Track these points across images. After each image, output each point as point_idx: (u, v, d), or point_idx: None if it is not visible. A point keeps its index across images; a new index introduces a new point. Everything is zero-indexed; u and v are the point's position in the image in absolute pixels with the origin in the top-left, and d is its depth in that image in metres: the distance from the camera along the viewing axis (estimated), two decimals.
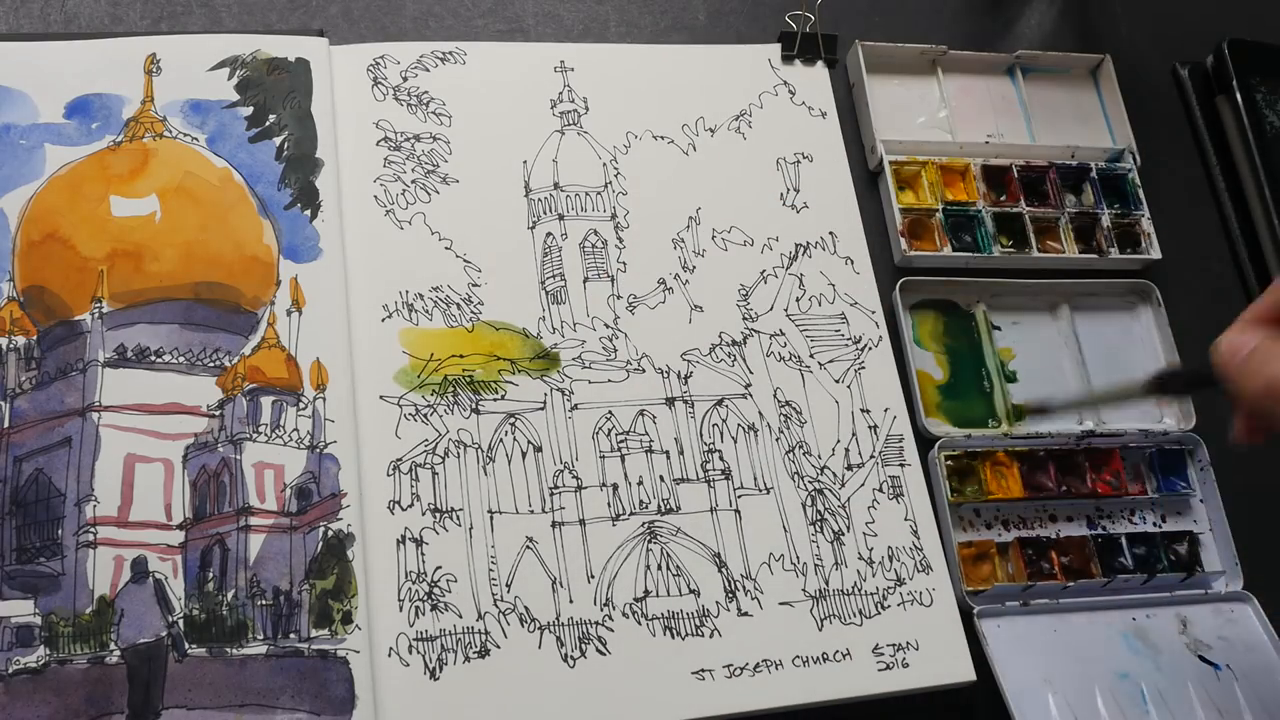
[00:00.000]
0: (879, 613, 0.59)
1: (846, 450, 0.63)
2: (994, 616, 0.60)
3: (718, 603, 0.58)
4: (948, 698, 0.58)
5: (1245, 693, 0.61)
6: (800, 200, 0.69)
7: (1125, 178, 0.74)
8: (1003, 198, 0.72)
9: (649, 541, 0.59)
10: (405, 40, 0.69)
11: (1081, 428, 0.67)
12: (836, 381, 0.65)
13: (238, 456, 0.56)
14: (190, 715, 0.51)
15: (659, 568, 0.59)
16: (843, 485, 0.62)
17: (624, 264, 0.65)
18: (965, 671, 0.58)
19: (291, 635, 0.53)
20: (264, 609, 0.54)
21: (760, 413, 0.63)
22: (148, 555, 0.54)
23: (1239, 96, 0.76)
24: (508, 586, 0.57)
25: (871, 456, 0.63)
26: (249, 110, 0.64)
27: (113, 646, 0.52)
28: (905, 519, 0.62)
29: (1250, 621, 0.63)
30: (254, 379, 0.58)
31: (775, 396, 0.64)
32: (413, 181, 0.65)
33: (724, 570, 0.59)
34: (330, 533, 0.55)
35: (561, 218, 0.66)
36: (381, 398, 0.59)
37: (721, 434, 0.62)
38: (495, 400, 0.61)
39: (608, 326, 0.63)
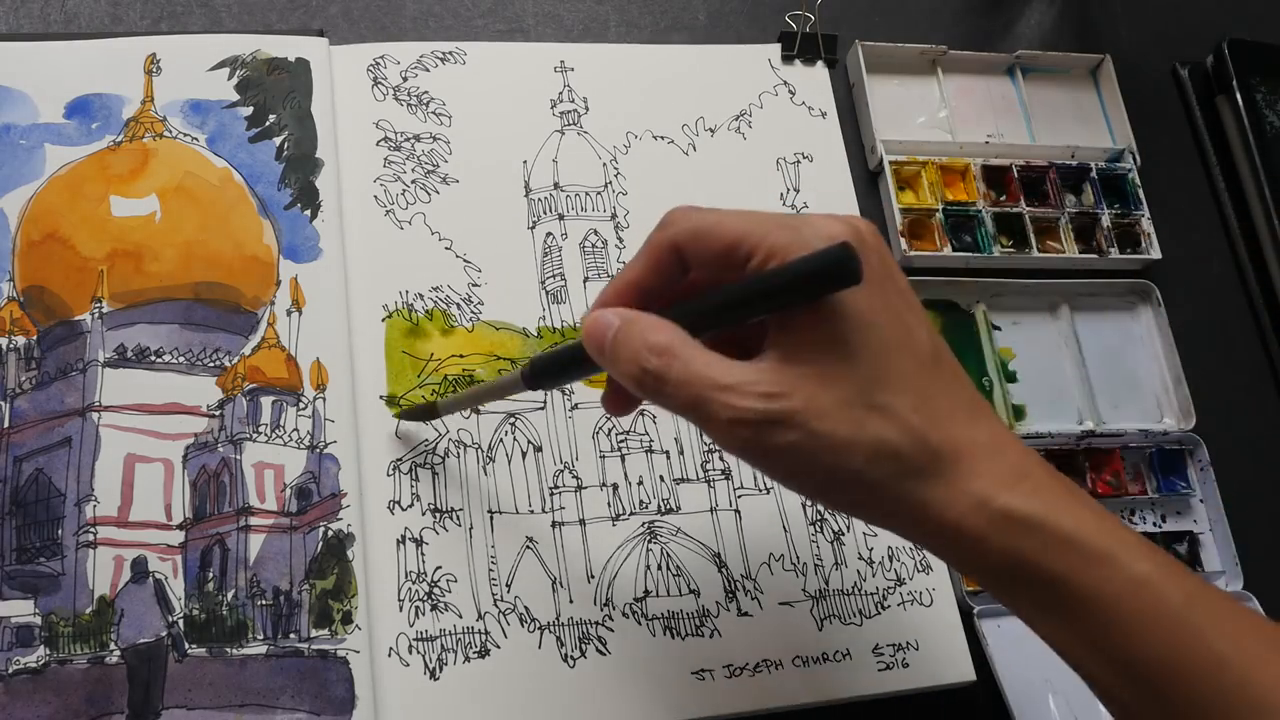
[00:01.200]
0: (879, 613, 0.59)
1: None
2: (994, 616, 0.60)
3: (718, 603, 0.58)
4: (948, 698, 0.58)
5: None
6: (800, 200, 0.69)
7: (1125, 178, 0.74)
8: (1003, 198, 0.72)
9: (649, 541, 0.59)
10: (405, 40, 0.69)
11: (1081, 428, 0.67)
12: None
13: (238, 456, 0.56)
14: (190, 715, 0.51)
15: (659, 568, 0.59)
16: None
17: (624, 264, 0.65)
18: (965, 671, 0.58)
19: (291, 635, 0.53)
20: (264, 609, 0.54)
21: None
22: (148, 555, 0.54)
23: (1239, 96, 0.76)
24: (508, 586, 0.57)
25: None
26: (249, 110, 0.64)
27: (113, 646, 0.52)
28: None
29: None
30: (254, 379, 0.58)
31: None
32: (413, 181, 0.65)
33: (724, 570, 0.59)
34: (330, 533, 0.55)
35: (561, 217, 0.66)
36: (381, 397, 0.59)
37: None
38: (495, 400, 0.61)
39: None
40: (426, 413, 0.58)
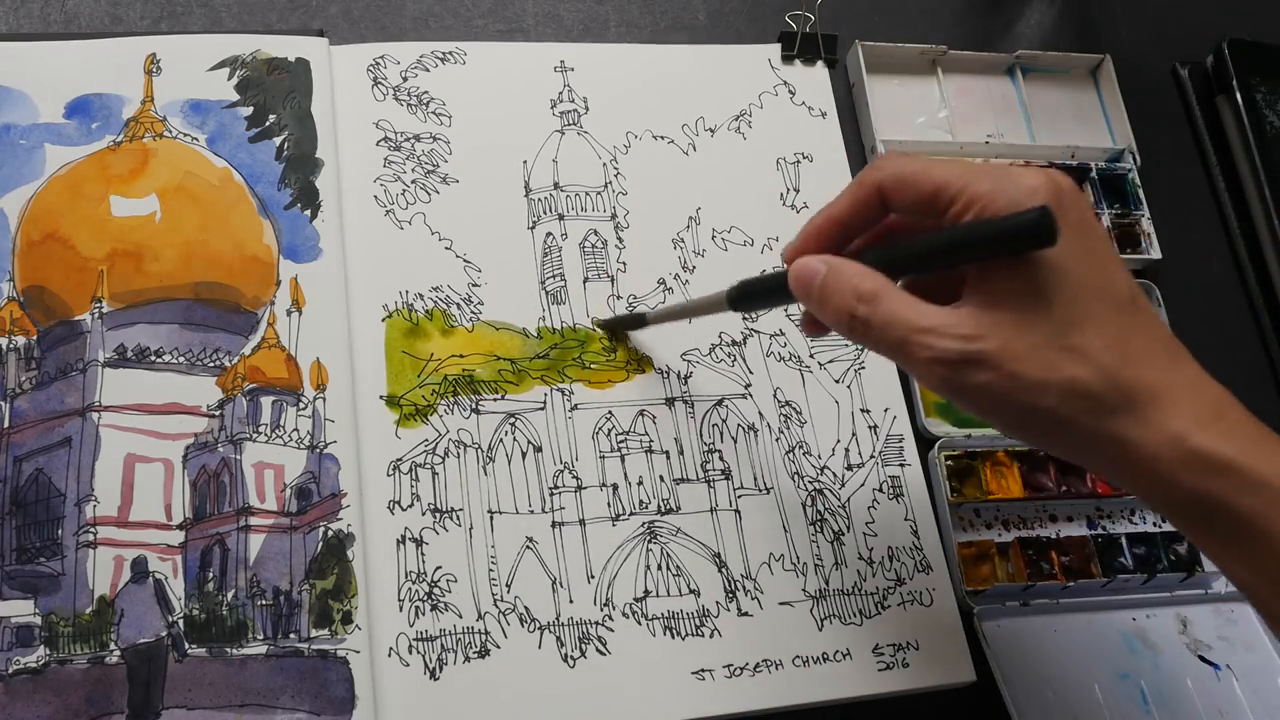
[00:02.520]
0: (879, 613, 0.59)
1: (846, 450, 0.63)
2: (994, 616, 0.60)
3: (718, 603, 0.58)
4: (948, 698, 0.58)
5: (1245, 693, 0.61)
6: (800, 200, 0.69)
7: (1125, 178, 0.74)
8: None
9: (649, 541, 0.59)
10: (405, 40, 0.69)
11: None
12: (836, 381, 0.65)
13: (238, 456, 0.56)
14: (190, 715, 0.51)
15: (659, 568, 0.59)
16: (843, 485, 0.62)
17: (624, 264, 0.65)
18: (965, 671, 0.58)
19: (291, 635, 0.53)
20: (264, 609, 0.54)
21: (760, 413, 0.63)
22: (148, 555, 0.54)
23: (1239, 96, 0.76)
24: (508, 586, 0.57)
25: (871, 457, 0.63)
26: (249, 110, 0.64)
27: (113, 646, 0.52)
28: (905, 519, 0.62)
29: (1250, 621, 0.63)
30: (254, 379, 0.58)
31: (775, 396, 0.64)
32: (413, 181, 0.65)
33: (724, 570, 0.59)
34: (330, 533, 0.55)
35: (561, 218, 0.66)
36: (381, 397, 0.59)
37: (721, 434, 0.62)
38: (495, 400, 0.61)
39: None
40: (635, 322, 0.60)
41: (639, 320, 0.61)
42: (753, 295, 0.52)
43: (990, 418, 0.43)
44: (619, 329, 0.63)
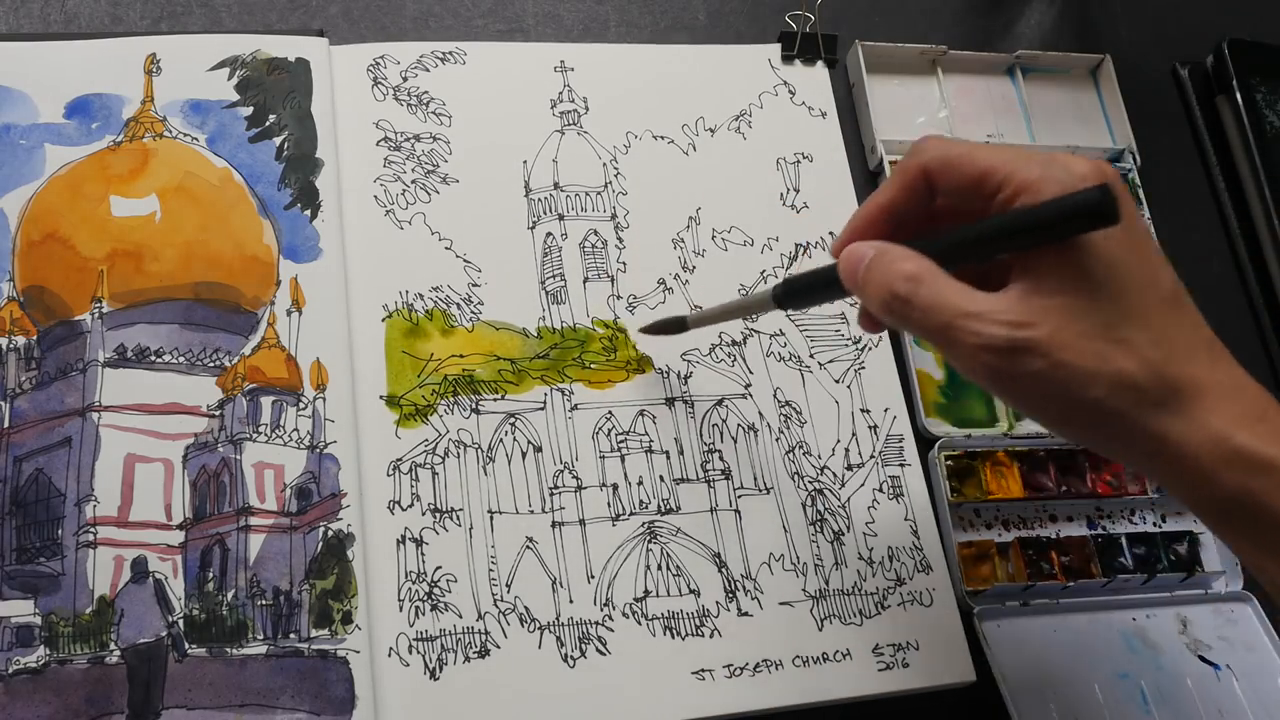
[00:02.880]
0: (879, 613, 0.59)
1: (846, 450, 0.63)
2: (994, 617, 0.60)
3: (718, 603, 0.58)
4: (948, 698, 0.58)
5: (1245, 693, 0.61)
6: (800, 200, 0.69)
7: (1125, 178, 0.74)
8: None
9: (649, 541, 0.59)
10: (405, 40, 0.69)
11: None
12: (836, 382, 0.65)
13: (238, 456, 0.56)
14: (190, 715, 0.51)
15: (659, 568, 0.59)
16: (843, 485, 0.62)
17: (624, 264, 0.65)
18: (965, 671, 0.58)
19: (291, 635, 0.53)
20: (264, 609, 0.54)
21: (760, 413, 0.63)
22: (148, 555, 0.54)
23: (1239, 96, 0.76)
24: (508, 586, 0.57)
25: (871, 456, 0.63)
26: (249, 110, 0.64)
27: (113, 646, 0.52)
28: (905, 519, 0.62)
29: (1250, 621, 0.63)
30: (254, 379, 0.58)
31: (775, 396, 0.64)
32: (413, 181, 0.65)
33: (724, 570, 0.59)
34: (330, 533, 0.55)
35: (561, 218, 0.66)
36: (381, 397, 0.59)
37: (721, 434, 0.62)
38: (495, 400, 0.61)
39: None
40: (675, 326, 0.59)
41: (679, 325, 0.60)
42: (800, 291, 0.50)
43: (1033, 409, 0.42)
44: (659, 334, 0.62)
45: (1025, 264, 0.41)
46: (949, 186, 0.44)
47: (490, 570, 0.57)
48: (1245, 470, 0.40)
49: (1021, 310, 0.40)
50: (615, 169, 0.68)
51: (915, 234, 0.45)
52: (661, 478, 0.61)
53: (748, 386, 0.64)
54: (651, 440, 0.61)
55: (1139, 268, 0.41)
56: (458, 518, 0.58)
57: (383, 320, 0.61)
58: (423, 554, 0.57)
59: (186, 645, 0.52)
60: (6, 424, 0.56)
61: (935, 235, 0.44)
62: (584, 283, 0.64)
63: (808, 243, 0.68)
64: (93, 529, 0.54)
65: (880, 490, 0.62)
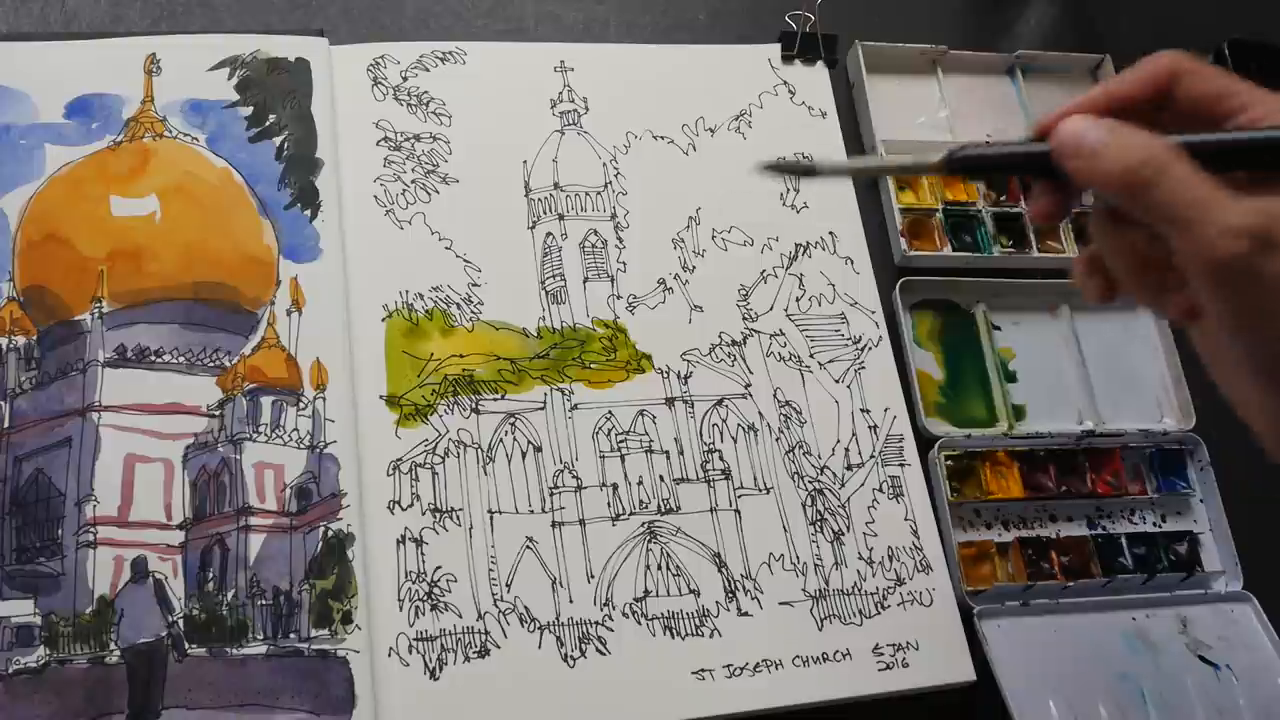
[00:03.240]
0: (879, 613, 0.59)
1: (846, 450, 0.63)
2: (994, 616, 0.60)
3: (718, 603, 0.58)
4: (948, 698, 0.58)
5: (1245, 693, 0.61)
6: (800, 200, 0.69)
7: None
8: (1003, 198, 0.72)
9: (649, 541, 0.59)
10: (405, 40, 0.69)
11: (1081, 428, 0.67)
12: (836, 381, 0.65)
13: (238, 456, 0.56)
14: (190, 715, 0.51)
15: (659, 568, 0.59)
16: (843, 485, 0.62)
17: (624, 264, 0.65)
18: (965, 671, 0.58)
19: (291, 635, 0.53)
20: (264, 609, 0.54)
21: (760, 413, 0.63)
22: (148, 555, 0.54)
23: None
24: (508, 586, 0.57)
25: (871, 456, 0.63)
26: (249, 110, 0.64)
27: (113, 646, 0.52)
28: (905, 519, 0.62)
29: (1250, 621, 0.63)
30: (254, 379, 0.58)
31: (775, 396, 0.64)
32: (413, 181, 0.65)
33: (724, 570, 0.59)
34: (330, 533, 0.55)
35: (561, 218, 0.66)
36: (381, 397, 0.59)
37: (721, 434, 0.62)
38: (495, 400, 0.61)
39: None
40: (804, 170, 0.53)
41: (809, 169, 0.52)
42: (980, 162, 0.47)
43: (1254, 317, 0.39)
44: (785, 173, 0.55)
45: (1265, 183, 0.39)
46: (1190, 95, 0.41)
47: (490, 570, 0.57)
48: None
49: (1273, 208, 0.37)
50: (615, 169, 0.68)
51: None
52: (661, 478, 0.61)
53: (748, 386, 0.64)
54: (651, 440, 0.61)
55: None
56: (458, 518, 0.58)
57: (383, 320, 0.61)
58: (423, 554, 0.57)
59: (186, 645, 0.52)
60: (6, 424, 0.56)
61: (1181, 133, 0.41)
62: (584, 283, 0.64)
63: (808, 243, 0.68)
64: (93, 529, 0.54)
65: (880, 490, 0.62)
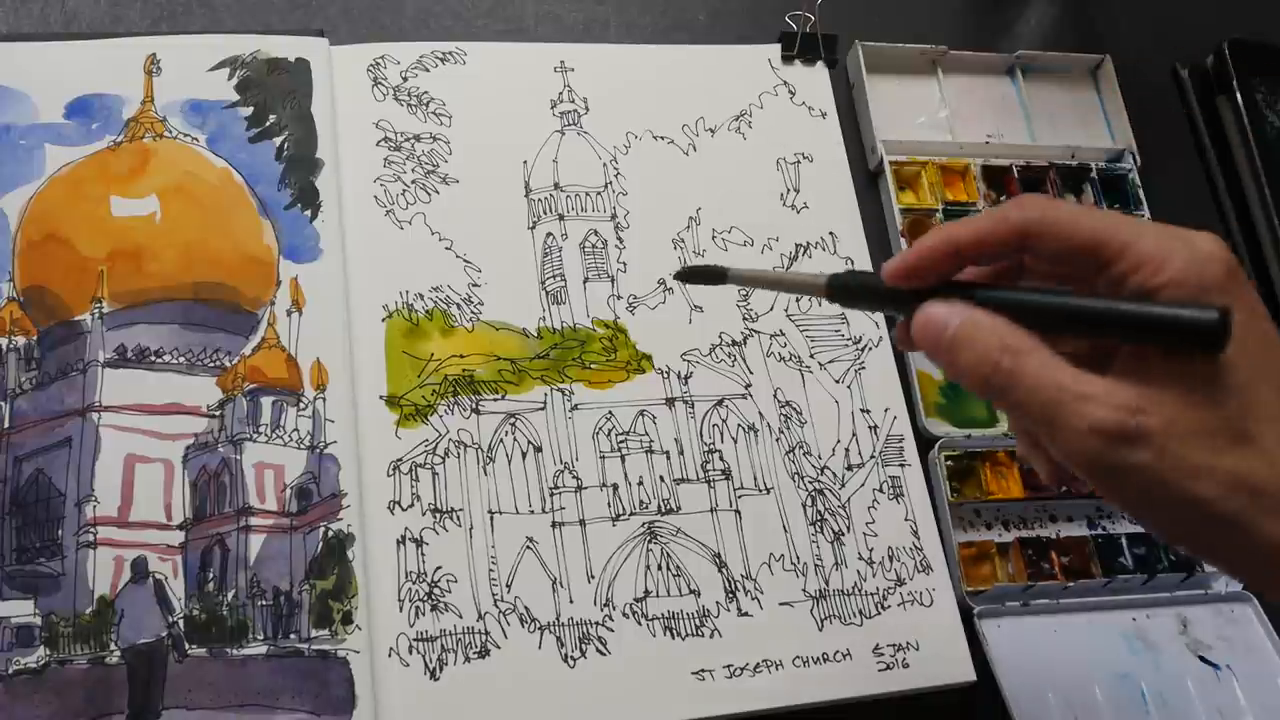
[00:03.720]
0: (879, 613, 0.59)
1: (846, 450, 0.63)
2: (994, 616, 0.60)
3: (718, 603, 0.58)
4: (948, 698, 0.58)
5: (1245, 693, 0.61)
6: (800, 200, 0.69)
7: (1125, 178, 0.74)
8: (1003, 198, 0.72)
9: (649, 542, 0.59)
10: (405, 40, 0.69)
11: None
12: (836, 382, 0.65)
13: (238, 457, 0.56)
14: (190, 715, 0.51)
15: (659, 568, 0.59)
16: (843, 485, 0.62)
17: (624, 264, 0.65)
18: (965, 672, 0.58)
19: (292, 635, 0.53)
20: (264, 609, 0.54)
21: (760, 413, 0.63)
22: (148, 555, 0.54)
23: (1239, 97, 0.76)
24: (508, 586, 0.57)
25: (871, 457, 0.63)
26: (249, 110, 0.64)
27: (113, 647, 0.52)
28: (905, 519, 0.62)
29: (1250, 622, 0.63)
30: (254, 379, 0.58)
31: (775, 397, 0.64)
32: (413, 182, 0.65)
33: (724, 570, 0.59)
34: (330, 533, 0.55)
35: (562, 218, 0.66)
36: (381, 398, 0.59)
37: (721, 434, 0.62)
38: (495, 400, 0.61)
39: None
40: (715, 276, 0.55)
41: (719, 275, 0.57)
42: (857, 297, 0.46)
43: (1138, 506, 0.38)
44: (694, 280, 0.55)
45: (1133, 351, 0.38)
46: (1047, 250, 0.40)
47: (490, 570, 0.57)
48: None
49: (1133, 396, 0.36)
50: (615, 169, 0.68)
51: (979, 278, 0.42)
52: (661, 478, 0.61)
53: (748, 386, 0.64)
54: (651, 440, 0.61)
55: (1261, 359, 0.37)
56: (458, 518, 0.58)
57: (383, 320, 0.61)
58: (423, 554, 0.57)
59: (186, 645, 0.52)
60: (7, 424, 0.56)
61: (1023, 291, 0.40)
62: (584, 283, 0.64)
63: (808, 243, 0.68)
64: (93, 529, 0.54)
65: (880, 490, 0.62)
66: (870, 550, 0.61)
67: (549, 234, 0.65)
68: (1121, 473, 0.36)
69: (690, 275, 0.54)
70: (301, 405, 0.58)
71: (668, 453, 0.61)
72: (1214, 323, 0.36)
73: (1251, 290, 0.38)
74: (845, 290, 0.46)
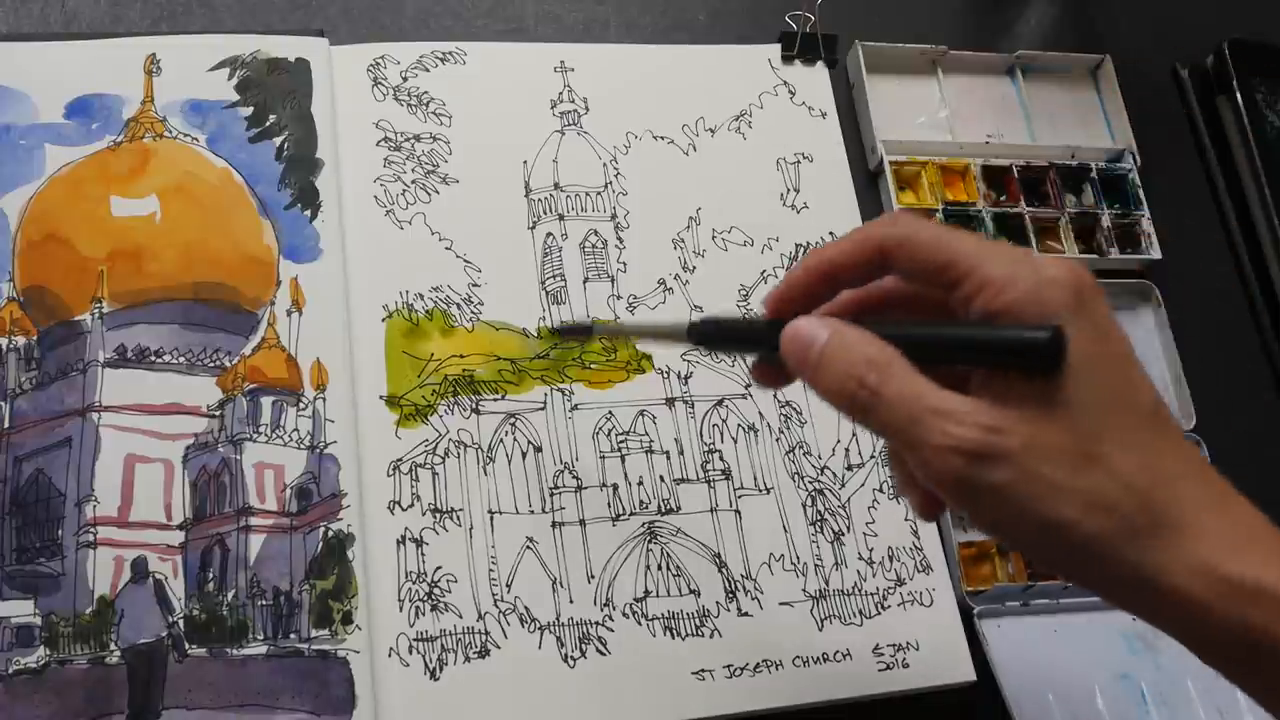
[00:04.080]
0: (879, 613, 0.59)
1: (846, 450, 0.63)
2: (994, 616, 0.60)
3: (718, 603, 0.58)
4: (948, 698, 0.58)
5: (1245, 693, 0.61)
6: (800, 200, 0.69)
7: (1125, 178, 0.74)
8: (1003, 198, 0.72)
9: (649, 542, 0.59)
10: (405, 40, 0.69)
11: None
12: None
13: (238, 457, 0.56)
14: (190, 715, 0.51)
15: (659, 568, 0.59)
16: (843, 485, 0.62)
17: (624, 264, 0.65)
18: (965, 672, 0.58)
19: (292, 635, 0.53)
20: (264, 609, 0.54)
21: (760, 413, 0.63)
22: (148, 555, 0.54)
23: (1239, 97, 0.76)
24: (508, 586, 0.57)
25: (871, 457, 0.63)
26: (249, 110, 0.64)
27: (113, 647, 0.52)
28: (905, 519, 0.62)
29: None
30: (254, 379, 0.58)
31: (775, 396, 0.64)
32: (413, 182, 0.65)
33: (724, 570, 0.59)
34: (330, 533, 0.55)
35: (562, 218, 0.66)
36: (381, 398, 0.59)
37: (721, 434, 0.62)
38: (495, 400, 0.61)
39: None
40: (583, 331, 0.57)
41: (586, 330, 0.58)
42: (718, 340, 0.46)
43: (1002, 527, 0.38)
44: (566, 336, 0.60)
45: (989, 373, 0.38)
46: (908, 267, 0.40)
47: (490, 570, 0.57)
48: (1240, 601, 0.36)
49: (993, 415, 0.36)
50: (615, 169, 0.68)
51: (855, 302, 0.43)
52: (661, 478, 0.61)
53: (748, 386, 0.64)
54: (651, 440, 0.61)
55: (1115, 382, 0.38)
56: (458, 518, 0.58)
57: (383, 320, 0.61)
58: (423, 554, 0.57)
59: (186, 645, 0.52)
60: (6, 424, 0.56)
61: (883, 324, 0.40)
62: (584, 283, 0.64)
63: (808, 243, 0.68)
64: (93, 529, 0.54)
65: (880, 490, 0.62)
66: (870, 550, 0.61)
67: (549, 234, 0.65)
68: (984, 493, 0.37)
69: (563, 331, 0.60)
70: (301, 405, 0.58)
71: (668, 453, 0.61)
72: (1044, 342, 0.36)
73: (1104, 312, 0.39)
74: (705, 335, 0.46)
